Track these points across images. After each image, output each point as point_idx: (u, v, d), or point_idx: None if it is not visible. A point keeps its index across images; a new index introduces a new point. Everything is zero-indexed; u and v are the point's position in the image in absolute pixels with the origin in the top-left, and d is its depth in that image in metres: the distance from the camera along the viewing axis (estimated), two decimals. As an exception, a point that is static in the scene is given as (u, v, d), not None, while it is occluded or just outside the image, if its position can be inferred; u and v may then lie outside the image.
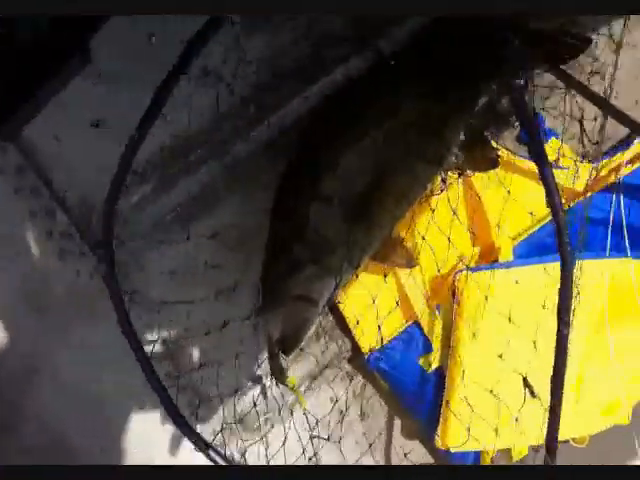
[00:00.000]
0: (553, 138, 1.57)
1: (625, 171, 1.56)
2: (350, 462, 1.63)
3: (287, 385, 1.46)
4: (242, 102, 1.41)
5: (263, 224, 1.41)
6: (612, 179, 1.58)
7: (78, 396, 1.51)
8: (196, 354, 1.54)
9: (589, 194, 1.56)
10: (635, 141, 1.59)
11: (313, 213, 1.33)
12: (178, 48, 1.19)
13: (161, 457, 1.54)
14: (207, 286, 1.49)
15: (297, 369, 1.62)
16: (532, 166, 1.48)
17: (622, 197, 1.58)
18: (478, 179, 1.49)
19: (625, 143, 1.60)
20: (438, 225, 1.48)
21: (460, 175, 1.46)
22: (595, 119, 1.57)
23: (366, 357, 1.62)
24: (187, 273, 1.47)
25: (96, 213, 1.39)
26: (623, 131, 1.60)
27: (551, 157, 1.42)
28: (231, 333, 1.51)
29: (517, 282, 1.50)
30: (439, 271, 1.53)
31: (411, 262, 1.48)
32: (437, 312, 1.58)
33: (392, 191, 1.34)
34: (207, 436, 1.45)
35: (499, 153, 1.43)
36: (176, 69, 1.19)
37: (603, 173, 1.58)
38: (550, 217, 1.53)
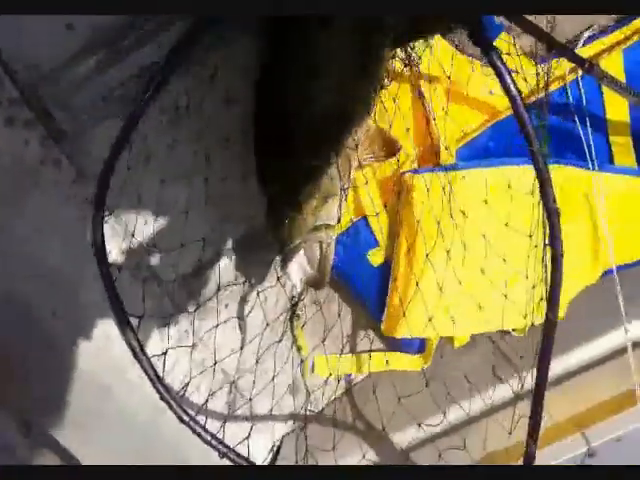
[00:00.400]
0: (504, 33, 1.58)
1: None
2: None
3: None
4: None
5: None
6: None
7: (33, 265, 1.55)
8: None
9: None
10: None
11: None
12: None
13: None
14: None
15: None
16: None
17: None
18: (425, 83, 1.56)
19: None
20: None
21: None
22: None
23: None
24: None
25: (44, 80, 1.40)
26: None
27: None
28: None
29: (462, 184, 1.57)
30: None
31: (397, 146, 1.53)
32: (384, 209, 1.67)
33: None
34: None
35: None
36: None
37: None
38: (492, 121, 1.62)
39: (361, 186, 1.63)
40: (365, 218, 1.69)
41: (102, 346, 1.60)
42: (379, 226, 1.68)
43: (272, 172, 1.42)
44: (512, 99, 1.21)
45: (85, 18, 1.35)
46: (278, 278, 1.66)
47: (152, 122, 1.45)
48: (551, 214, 1.22)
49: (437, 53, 1.57)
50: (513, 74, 1.31)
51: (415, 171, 1.58)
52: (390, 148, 1.52)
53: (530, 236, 1.36)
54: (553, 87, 1.61)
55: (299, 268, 1.40)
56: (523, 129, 1.22)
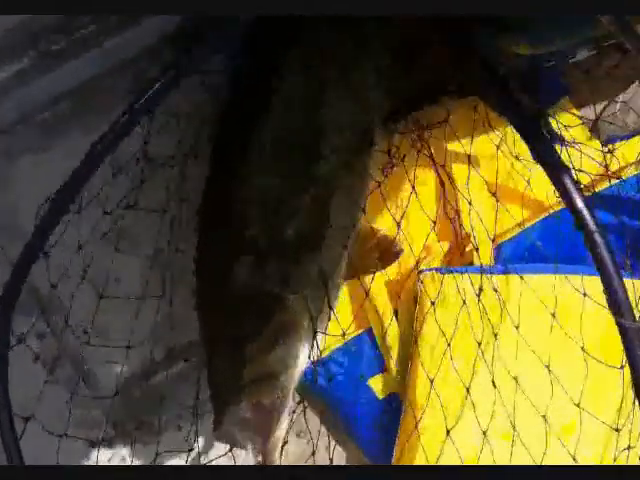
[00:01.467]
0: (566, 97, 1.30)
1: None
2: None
3: None
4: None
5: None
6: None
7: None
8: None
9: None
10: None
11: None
12: None
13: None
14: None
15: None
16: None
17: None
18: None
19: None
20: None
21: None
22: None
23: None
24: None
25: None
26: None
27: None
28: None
29: (497, 291, 1.20)
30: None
31: (397, 248, 1.20)
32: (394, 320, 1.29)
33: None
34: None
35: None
36: None
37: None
38: (540, 217, 1.28)
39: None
40: (370, 331, 1.32)
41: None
42: (387, 343, 1.30)
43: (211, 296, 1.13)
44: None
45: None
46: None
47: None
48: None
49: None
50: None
51: (439, 270, 1.22)
52: (388, 253, 1.20)
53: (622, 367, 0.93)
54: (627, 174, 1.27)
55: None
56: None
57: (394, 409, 1.30)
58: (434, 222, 1.26)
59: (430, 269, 1.22)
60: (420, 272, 1.23)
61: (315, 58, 1.14)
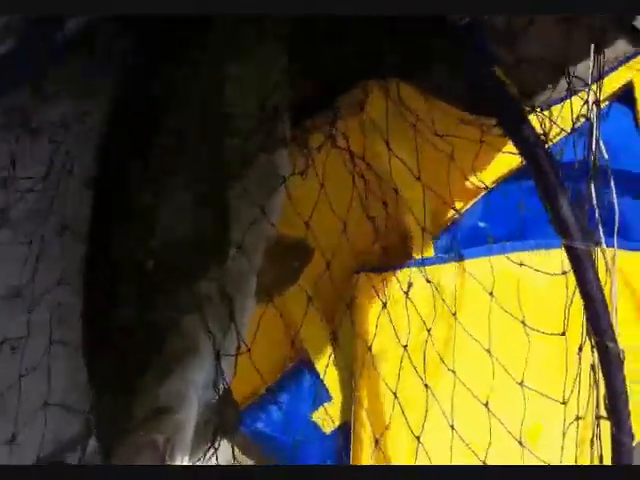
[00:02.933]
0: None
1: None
2: None
3: None
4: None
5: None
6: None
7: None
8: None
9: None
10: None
11: None
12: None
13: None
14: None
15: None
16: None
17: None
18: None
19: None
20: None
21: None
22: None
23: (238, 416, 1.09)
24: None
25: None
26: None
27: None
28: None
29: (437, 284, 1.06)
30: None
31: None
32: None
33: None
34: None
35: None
36: None
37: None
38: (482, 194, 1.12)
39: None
40: (307, 360, 1.14)
41: None
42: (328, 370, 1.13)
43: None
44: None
45: None
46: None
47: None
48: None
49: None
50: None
51: (376, 270, 1.04)
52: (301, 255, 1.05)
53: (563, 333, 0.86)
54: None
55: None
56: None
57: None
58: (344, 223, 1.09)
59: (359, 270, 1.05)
60: (356, 273, 1.06)
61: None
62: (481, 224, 1.11)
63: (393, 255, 1.11)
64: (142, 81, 1.06)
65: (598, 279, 0.84)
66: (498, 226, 1.11)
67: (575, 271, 0.84)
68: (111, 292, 0.94)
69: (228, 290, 0.93)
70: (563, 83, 1.13)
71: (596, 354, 0.83)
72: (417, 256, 1.08)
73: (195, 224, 0.95)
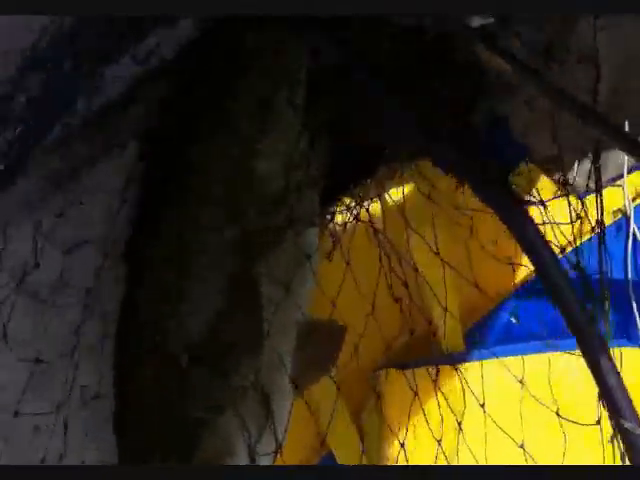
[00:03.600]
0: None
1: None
2: None
3: None
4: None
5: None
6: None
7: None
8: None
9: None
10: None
11: None
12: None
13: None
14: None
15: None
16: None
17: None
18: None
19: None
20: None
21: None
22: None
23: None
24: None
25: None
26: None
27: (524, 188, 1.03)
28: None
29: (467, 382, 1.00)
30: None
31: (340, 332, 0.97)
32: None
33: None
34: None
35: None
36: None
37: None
38: (514, 290, 1.09)
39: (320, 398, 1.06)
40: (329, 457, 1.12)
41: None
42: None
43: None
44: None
45: None
46: None
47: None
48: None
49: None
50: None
51: (402, 366, 1.01)
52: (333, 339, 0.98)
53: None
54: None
55: None
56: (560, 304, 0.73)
57: None
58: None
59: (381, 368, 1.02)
60: (376, 371, 1.03)
61: None
62: (513, 320, 1.08)
63: (421, 345, 1.09)
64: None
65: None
66: (531, 322, 1.08)
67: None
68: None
69: (264, 383, 0.89)
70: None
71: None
72: (446, 349, 1.05)
73: (226, 312, 0.91)
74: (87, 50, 0.94)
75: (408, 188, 1.08)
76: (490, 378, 1.01)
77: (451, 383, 1.01)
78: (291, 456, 0.95)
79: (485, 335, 1.08)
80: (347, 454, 1.09)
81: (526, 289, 1.09)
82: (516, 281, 1.09)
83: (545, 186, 1.08)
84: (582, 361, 0.84)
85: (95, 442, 1.02)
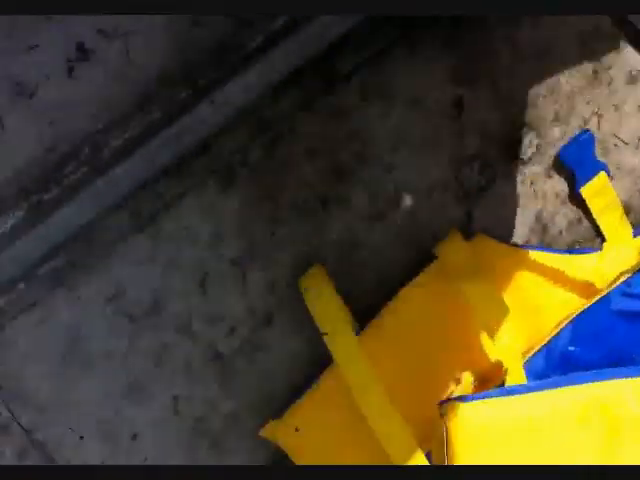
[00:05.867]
0: (602, 172, 1.17)
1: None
2: None
3: None
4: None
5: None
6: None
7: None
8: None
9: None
10: None
11: None
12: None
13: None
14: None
15: None
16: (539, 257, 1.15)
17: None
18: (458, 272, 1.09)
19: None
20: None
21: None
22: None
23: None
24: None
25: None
26: None
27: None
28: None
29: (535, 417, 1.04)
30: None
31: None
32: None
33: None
34: None
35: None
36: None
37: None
38: (569, 318, 1.13)
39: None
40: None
41: None
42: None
43: None
44: None
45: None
46: None
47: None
48: None
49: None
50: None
51: (462, 398, 1.07)
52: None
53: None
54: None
55: None
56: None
57: None
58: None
59: (449, 399, 1.07)
60: (441, 403, 1.08)
61: None
62: (571, 348, 1.12)
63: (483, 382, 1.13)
64: None
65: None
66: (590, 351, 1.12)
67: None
68: None
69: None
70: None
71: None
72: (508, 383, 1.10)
73: None
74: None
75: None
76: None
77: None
78: None
79: (544, 366, 1.12)
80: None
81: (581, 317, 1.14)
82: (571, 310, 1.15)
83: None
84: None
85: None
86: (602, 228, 1.17)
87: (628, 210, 1.19)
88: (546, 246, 1.17)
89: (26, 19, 0.98)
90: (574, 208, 1.18)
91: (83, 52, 1.00)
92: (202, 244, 1.10)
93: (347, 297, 1.11)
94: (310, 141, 1.10)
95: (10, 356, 1.08)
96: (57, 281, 1.07)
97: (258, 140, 1.09)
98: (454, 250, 1.10)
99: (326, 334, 1.07)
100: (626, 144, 1.17)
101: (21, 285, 1.07)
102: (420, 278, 1.11)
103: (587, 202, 1.16)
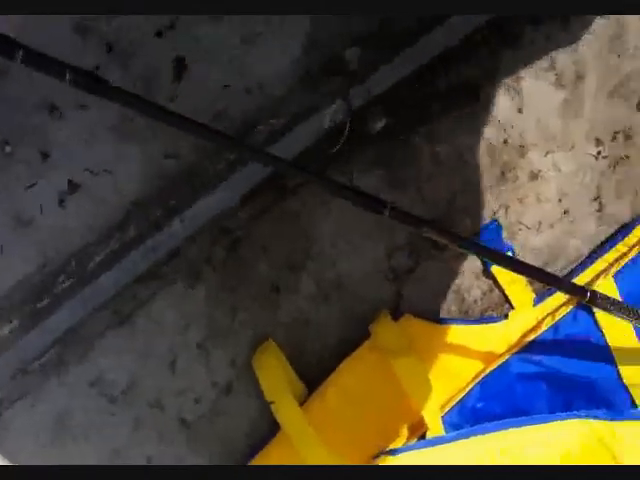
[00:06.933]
0: (509, 253, 1.38)
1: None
2: None
3: None
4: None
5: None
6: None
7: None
8: None
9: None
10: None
11: None
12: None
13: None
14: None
15: None
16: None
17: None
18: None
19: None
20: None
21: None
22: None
23: None
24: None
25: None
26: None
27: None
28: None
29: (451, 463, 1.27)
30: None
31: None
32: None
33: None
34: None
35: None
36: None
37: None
38: (478, 379, 1.37)
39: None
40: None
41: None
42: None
43: None
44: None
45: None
46: None
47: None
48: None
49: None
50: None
51: (392, 451, 1.29)
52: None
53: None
54: (542, 328, 1.39)
55: None
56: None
57: None
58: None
59: (380, 454, 1.30)
60: (374, 458, 1.30)
61: None
62: (479, 405, 1.36)
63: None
64: None
65: None
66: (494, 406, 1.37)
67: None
68: None
69: None
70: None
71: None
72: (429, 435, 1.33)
73: None
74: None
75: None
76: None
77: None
78: None
79: (458, 419, 1.37)
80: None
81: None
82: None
83: None
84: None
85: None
86: (509, 296, 1.39)
87: (532, 281, 1.40)
88: (463, 313, 1.40)
89: (25, 164, 1.16)
90: (487, 281, 1.40)
91: (72, 186, 1.18)
92: (172, 333, 1.29)
93: (297, 367, 1.32)
94: (264, 241, 1.30)
95: (7, 436, 1.26)
96: (48, 372, 1.25)
97: (220, 244, 1.27)
98: (384, 329, 1.32)
99: (272, 403, 1.28)
100: (528, 228, 1.40)
101: (18, 378, 1.24)
102: (357, 352, 1.32)
103: (497, 277, 1.38)
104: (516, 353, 1.38)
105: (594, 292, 1.26)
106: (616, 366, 1.39)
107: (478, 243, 1.31)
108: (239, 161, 1.23)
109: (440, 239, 1.18)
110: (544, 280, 1.27)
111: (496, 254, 1.25)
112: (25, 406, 1.25)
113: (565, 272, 1.41)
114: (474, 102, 1.29)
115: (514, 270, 1.22)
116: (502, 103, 1.32)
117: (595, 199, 1.41)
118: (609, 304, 1.26)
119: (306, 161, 1.25)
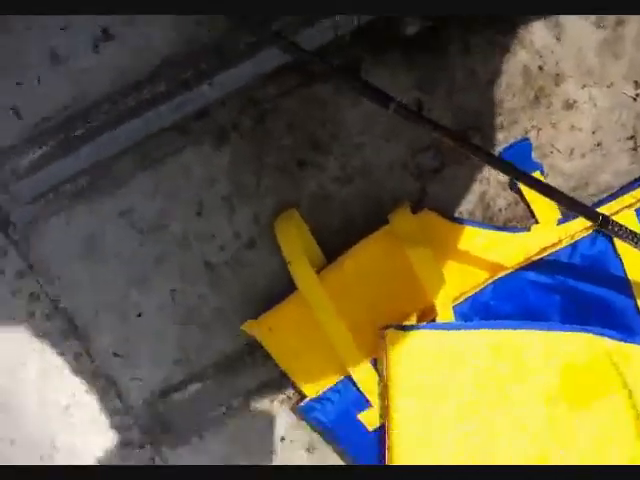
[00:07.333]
0: (538, 172, 1.36)
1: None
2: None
3: None
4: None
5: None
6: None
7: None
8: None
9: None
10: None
11: None
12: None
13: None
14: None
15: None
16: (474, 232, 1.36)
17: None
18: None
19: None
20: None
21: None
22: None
23: (299, 405, 1.46)
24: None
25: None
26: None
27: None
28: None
29: (457, 348, 1.32)
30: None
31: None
32: (372, 367, 1.42)
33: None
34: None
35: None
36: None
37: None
38: (493, 279, 1.37)
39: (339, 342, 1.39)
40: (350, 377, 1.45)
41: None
42: (368, 385, 1.43)
43: None
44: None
45: (33, 105, 1.29)
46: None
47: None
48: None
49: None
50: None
51: (401, 327, 1.34)
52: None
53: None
54: (560, 245, 1.36)
55: None
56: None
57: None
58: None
59: (390, 326, 1.34)
60: (384, 328, 1.35)
61: None
62: (491, 302, 1.37)
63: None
64: None
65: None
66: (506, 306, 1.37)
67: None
68: None
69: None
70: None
71: None
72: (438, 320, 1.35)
73: None
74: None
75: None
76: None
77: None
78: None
79: (467, 311, 1.38)
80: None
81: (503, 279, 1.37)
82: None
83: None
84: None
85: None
86: (535, 212, 1.37)
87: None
88: (487, 221, 1.39)
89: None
90: (512, 194, 1.39)
91: (107, 35, 1.20)
92: (197, 183, 1.35)
93: (317, 238, 1.36)
94: (292, 118, 1.32)
95: (42, 245, 1.36)
96: (79, 198, 1.35)
97: (248, 113, 1.31)
98: (402, 220, 1.32)
99: (290, 263, 1.34)
100: (560, 152, 1.36)
101: (50, 196, 1.34)
102: (375, 235, 1.34)
103: (523, 191, 1.36)
104: (532, 264, 1.36)
105: (606, 217, 1.22)
106: (634, 299, 1.35)
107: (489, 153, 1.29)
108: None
109: (450, 142, 1.18)
110: (555, 197, 1.22)
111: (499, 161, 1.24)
112: (60, 223, 1.36)
113: (592, 202, 1.39)
114: (511, 25, 1.29)
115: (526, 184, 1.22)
116: (540, 32, 1.31)
117: (630, 138, 1.36)
118: (620, 230, 1.23)
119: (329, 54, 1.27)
